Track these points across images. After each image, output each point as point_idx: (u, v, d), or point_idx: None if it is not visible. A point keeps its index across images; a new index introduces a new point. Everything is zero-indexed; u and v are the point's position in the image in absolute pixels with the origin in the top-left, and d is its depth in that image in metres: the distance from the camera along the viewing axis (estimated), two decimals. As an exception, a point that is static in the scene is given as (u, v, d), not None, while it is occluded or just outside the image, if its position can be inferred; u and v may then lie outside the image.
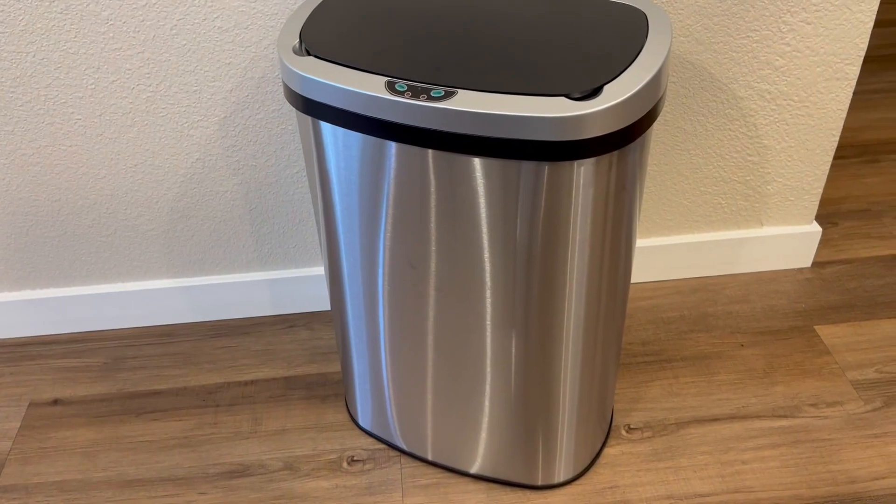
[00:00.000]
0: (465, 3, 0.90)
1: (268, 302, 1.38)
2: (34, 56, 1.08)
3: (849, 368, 1.26)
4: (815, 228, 1.42)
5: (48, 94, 1.11)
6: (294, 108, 0.90)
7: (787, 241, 1.42)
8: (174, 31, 1.08)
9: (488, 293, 0.89)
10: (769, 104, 1.24)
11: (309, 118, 0.85)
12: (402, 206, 0.85)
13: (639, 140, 0.80)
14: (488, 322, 0.92)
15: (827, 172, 1.34)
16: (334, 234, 0.95)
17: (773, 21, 1.15)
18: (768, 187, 1.35)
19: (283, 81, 0.85)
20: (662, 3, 1.12)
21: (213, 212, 1.27)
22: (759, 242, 1.42)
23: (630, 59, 0.78)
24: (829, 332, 1.32)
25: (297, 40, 0.85)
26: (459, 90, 0.75)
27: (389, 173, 0.83)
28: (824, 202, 1.54)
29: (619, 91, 0.74)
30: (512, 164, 0.77)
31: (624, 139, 0.76)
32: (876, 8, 1.15)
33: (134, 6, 1.05)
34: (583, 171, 0.78)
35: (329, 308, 1.40)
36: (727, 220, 1.39)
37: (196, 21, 1.07)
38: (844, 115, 1.27)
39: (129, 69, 1.10)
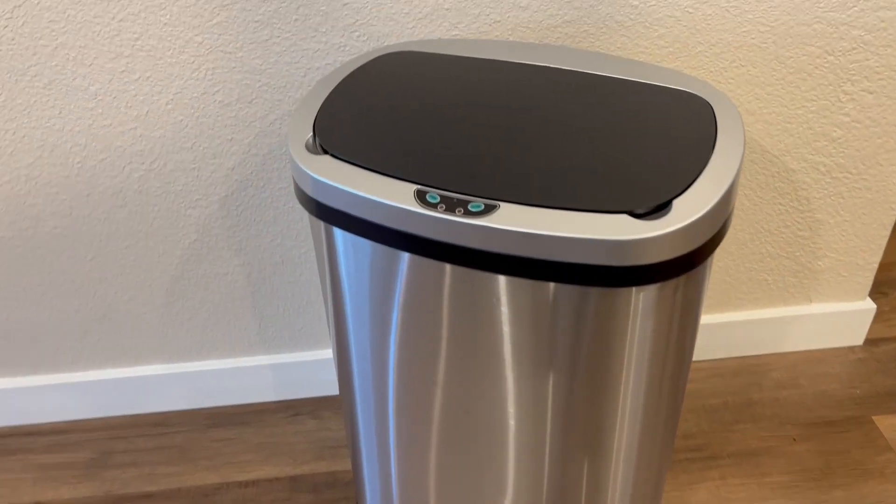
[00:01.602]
0: (500, 95, 0.78)
1: (270, 387, 1.26)
2: (14, 133, 0.97)
3: (915, 468, 1.14)
4: (869, 305, 1.30)
5: (29, 174, 1.00)
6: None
7: (837, 318, 1.30)
8: (170, 106, 0.97)
9: (511, 416, 0.77)
10: (824, 177, 1.13)
11: (322, 221, 0.74)
12: (412, 316, 0.74)
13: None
14: (511, 450, 0.80)
15: (884, 248, 1.23)
16: (344, 332, 0.83)
17: (831, 90, 1.05)
18: (819, 263, 1.23)
19: (294, 181, 0.74)
20: (710, 72, 1.02)
21: (212, 294, 1.15)
22: (808, 320, 1.30)
23: (701, 166, 0.66)
24: (888, 424, 1.20)
25: (311, 133, 0.74)
26: (501, 203, 0.64)
27: (400, 284, 0.72)
28: (872, 270, 1.42)
29: (690, 207, 0.62)
30: (545, 284, 0.66)
31: (694, 261, 0.65)
32: (946, 77, 1.04)
33: (125, 80, 0.94)
34: (642, 297, 0.66)
35: (336, 393, 1.28)
36: (773, 296, 1.27)
37: (194, 95, 0.96)
38: (905, 187, 1.16)
39: (120, 146, 0.99)
